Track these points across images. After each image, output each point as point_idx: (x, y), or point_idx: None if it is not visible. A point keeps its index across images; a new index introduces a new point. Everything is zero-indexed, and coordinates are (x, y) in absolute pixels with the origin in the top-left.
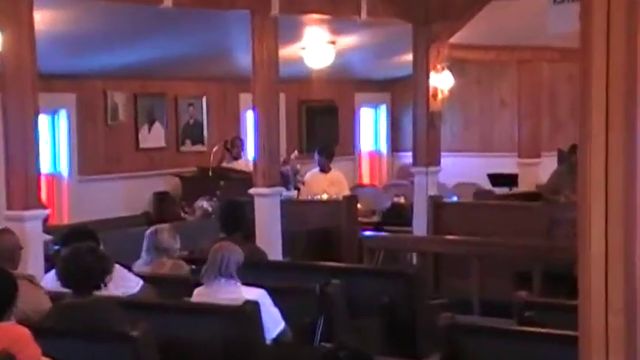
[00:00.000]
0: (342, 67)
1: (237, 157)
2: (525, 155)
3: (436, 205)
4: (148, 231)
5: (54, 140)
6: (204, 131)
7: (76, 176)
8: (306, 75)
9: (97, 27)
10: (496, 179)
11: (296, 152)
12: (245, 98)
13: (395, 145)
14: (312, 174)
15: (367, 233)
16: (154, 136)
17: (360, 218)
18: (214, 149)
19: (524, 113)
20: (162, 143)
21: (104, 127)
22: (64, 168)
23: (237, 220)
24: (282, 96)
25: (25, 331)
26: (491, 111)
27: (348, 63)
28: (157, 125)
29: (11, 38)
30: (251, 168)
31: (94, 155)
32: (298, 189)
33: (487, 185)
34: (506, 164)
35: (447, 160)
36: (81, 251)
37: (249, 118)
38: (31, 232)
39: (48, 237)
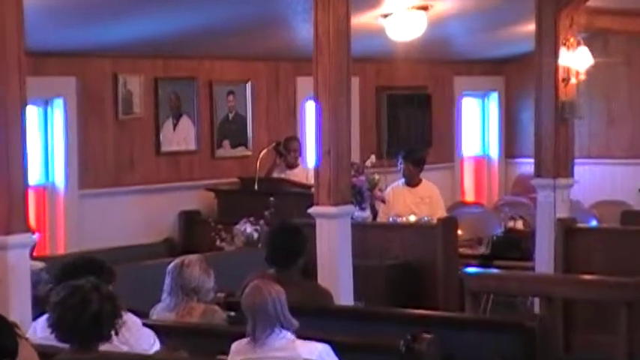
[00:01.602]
0: (438, 42)
1: (292, 165)
2: None
3: (568, 231)
4: (172, 264)
5: (46, 140)
6: (249, 129)
7: (75, 190)
8: (388, 53)
9: None
10: None
11: (373, 158)
12: (304, 84)
13: (510, 149)
14: (395, 188)
15: (471, 270)
16: (180, 136)
17: (460, 249)
18: (262, 154)
19: None
20: (192, 145)
21: (114, 122)
22: (59, 178)
23: (293, 251)
24: (354, 81)
25: None
26: None
27: (446, 36)
28: (184, 121)
29: None
30: (311, 179)
31: (99, 161)
32: (376, 208)
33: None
34: None
35: (582, 170)
36: (82, 290)
37: (309, 111)
38: (15, 264)
39: (38, 265)
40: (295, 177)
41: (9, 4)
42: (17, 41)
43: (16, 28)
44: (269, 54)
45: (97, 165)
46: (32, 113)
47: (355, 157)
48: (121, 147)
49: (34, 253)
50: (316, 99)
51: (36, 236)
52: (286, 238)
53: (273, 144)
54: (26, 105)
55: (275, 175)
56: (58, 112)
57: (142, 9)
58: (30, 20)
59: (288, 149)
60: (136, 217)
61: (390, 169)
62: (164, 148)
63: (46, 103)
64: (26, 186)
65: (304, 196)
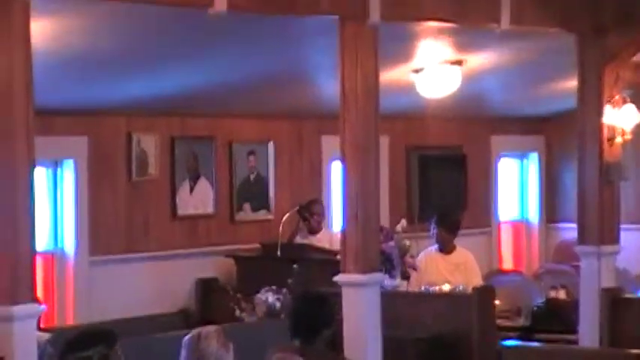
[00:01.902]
0: (473, 99)
1: (316, 230)
2: None
3: (614, 301)
4: (188, 337)
5: (55, 204)
6: (271, 191)
7: (85, 256)
8: (420, 110)
9: (119, 42)
10: None
11: (404, 222)
12: (330, 143)
13: (551, 213)
14: (427, 254)
15: (509, 343)
16: (197, 199)
17: (498, 320)
18: (285, 217)
19: None
20: (210, 209)
21: (127, 184)
22: (69, 244)
23: (319, 321)
24: (384, 140)
25: None
26: None
27: (481, 92)
28: (202, 182)
29: None
30: (335, 244)
31: (111, 226)
32: (408, 276)
33: None
34: None
35: (629, 236)
36: None
37: (335, 172)
38: (21, 337)
39: (43, 336)
40: (318, 242)
41: (17, 58)
42: (25, 98)
43: (25, 84)
44: (292, 111)
45: (108, 230)
46: (41, 175)
47: (384, 221)
48: (134, 210)
49: (41, 324)
50: (342, 159)
51: (42, 307)
52: (311, 308)
53: (297, 207)
54: (34, 166)
55: (298, 240)
56: (68, 173)
57: (156, 64)
58: (39, 76)
59: (311, 213)
60: (149, 286)
61: (422, 234)
62: (180, 212)
63: (55, 164)
64: (34, 252)
65: (330, 262)
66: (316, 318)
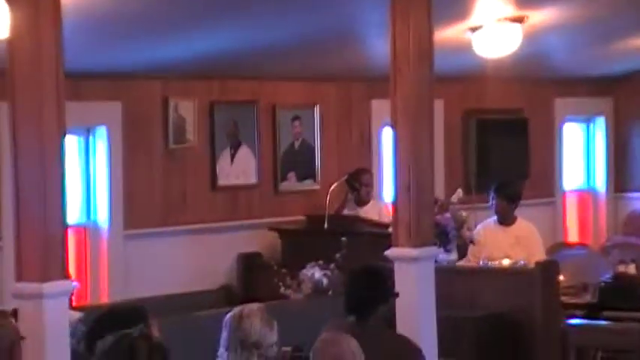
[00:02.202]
0: (535, 59)
1: (365, 201)
2: None
3: None
4: (229, 315)
5: (87, 174)
6: (317, 160)
7: (120, 230)
8: (478, 71)
9: (154, 0)
10: None
11: (460, 192)
12: (380, 108)
13: (619, 182)
14: (486, 226)
15: (575, 321)
16: (239, 168)
17: (563, 297)
18: (332, 188)
19: None
20: (253, 179)
21: (163, 153)
22: (102, 217)
23: (375, 298)
24: (438, 104)
25: None
26: None
27: (545, 51)
28: (243, 150)
29: (24, 18)
30: (385, 217)
31: (147, 197)
32: (464, 250)
33: None
34: None
35: None
36: (128, 340)
37: (385, 139)
38: (51, 316)
39: (75, 315)
40: (366, 214)
41: (45, 19)
42: (55, 62)
43: (55, 46)
44: (339, 74)
45: (144, 202)
46: (72, 143)
47: (439, 191)
48: (171, 181)
49: (73, 303)
50: (393, 125)
51: (75, 284)
52: (367, 283)
53: (345, 176)
54: (65, 134)
55: (347, 212)
56: (100, 141)
57: (195, 24)
58: (69, 38)
59: (360, 183)
60: (188, 261)
61: (479, 205)
62: (221, 182)
63: (87, 131)
64: (65, 226)
65: (381, 236)
66: (372, 293)
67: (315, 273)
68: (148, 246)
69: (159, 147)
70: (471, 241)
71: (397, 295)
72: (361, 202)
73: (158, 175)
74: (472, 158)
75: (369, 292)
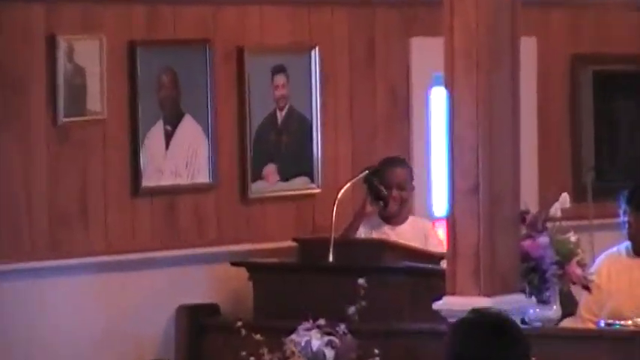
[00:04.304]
0: None
1: (394, 214)
2: None
3: None
4: None
5: None
6: (316, 142)
7: None
8: None
9: None
10: None
11: (566, 198)
12: (425, 52)
13: None
14: (612, 260)
15: None
16: (179, 157)
17: None
18: (341, 192)
19: None
20: (204, 176)
21: (48, 132)
22: None
23: None
24: (529, 45)
25: None
26: None
27: None
28: (188, 127)
29: None
30: (441, 244)
31: (20, 211)
32: (573, 301)
33: None
34: None
35: None
36: None
37: (435, 105)
38: None
39: None
40: (401, 237)
41: None
42: None
43: None
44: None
45: (14, 219)
46: None
47: (530, 197)
48: (62, 181)
49: None
50: (448, 82)
51: None
52: (499, 348)
53: (364, 172)
54: None
55: (363, 233)
56: None
57: None
58: None
59: (388, 183)
60: (91, 321)
61: (601, 222)
62: (148, 182)
63: None
64: None
65: (426, 275)
66: None
67: (312, 340)
68: (22, 292)
69: (40, 122)
70: (586, 286)
71: None
72: (392, 216)
73: (39, 172)
74: (587, 138)
75: None
